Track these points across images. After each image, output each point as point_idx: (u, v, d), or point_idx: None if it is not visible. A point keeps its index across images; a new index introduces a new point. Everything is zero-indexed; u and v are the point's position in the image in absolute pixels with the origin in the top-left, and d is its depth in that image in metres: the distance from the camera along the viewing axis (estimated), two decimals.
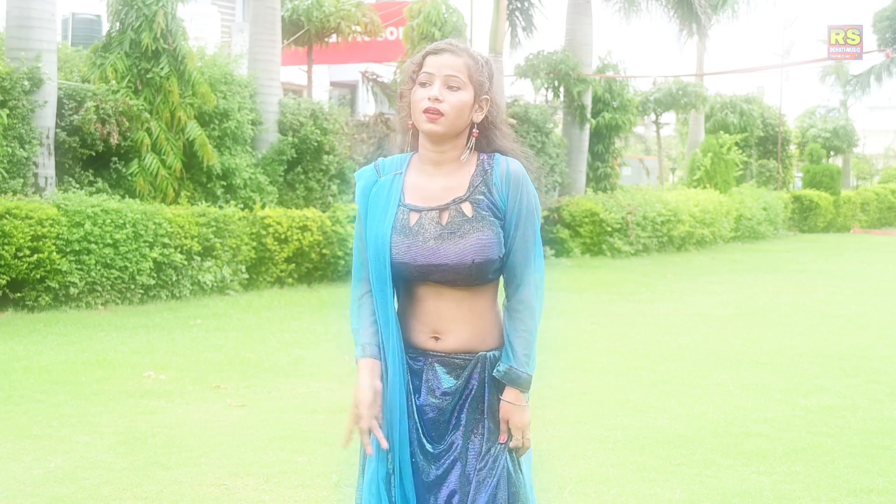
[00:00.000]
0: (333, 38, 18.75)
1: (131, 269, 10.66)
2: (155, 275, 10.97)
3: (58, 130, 11.47)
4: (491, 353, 2.63)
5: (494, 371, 2.61)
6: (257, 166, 13.84)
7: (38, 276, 10.00)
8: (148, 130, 12.07)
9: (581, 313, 10.75)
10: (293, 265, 12.77)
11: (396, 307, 2.70)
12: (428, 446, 2.62)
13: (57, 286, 10.09)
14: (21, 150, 10.90)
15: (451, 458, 2.61)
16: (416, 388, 2.63)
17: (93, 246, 10.35)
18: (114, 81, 11.99)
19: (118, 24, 12.32)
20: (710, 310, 11.39)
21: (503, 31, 18.74)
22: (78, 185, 11.56)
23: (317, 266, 13.04)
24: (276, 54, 14.86)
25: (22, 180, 10.87)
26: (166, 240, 11.01)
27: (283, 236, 12.51)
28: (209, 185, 13.05)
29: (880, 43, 30.49)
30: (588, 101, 20.08)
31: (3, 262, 9.72)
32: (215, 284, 11.64)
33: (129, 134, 11.90)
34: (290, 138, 14.29)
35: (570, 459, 5.28)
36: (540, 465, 5.01)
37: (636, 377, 7.52)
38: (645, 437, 5.76)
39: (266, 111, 14.31)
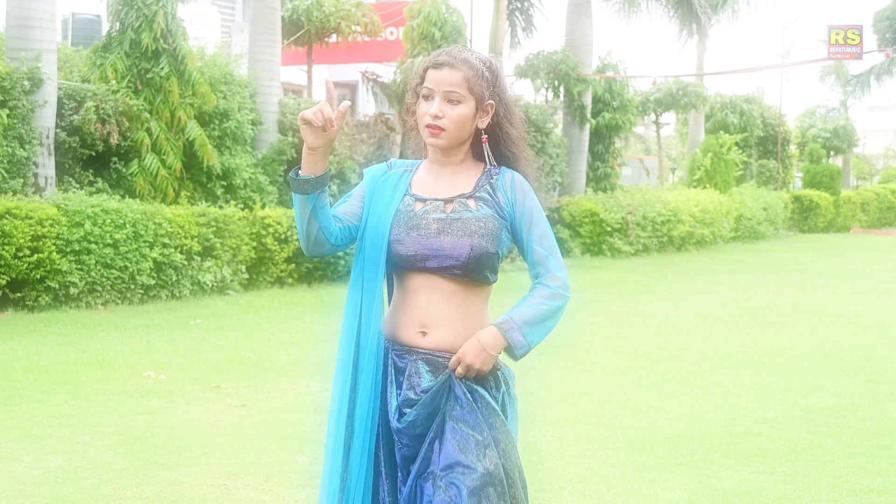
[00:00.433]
0: (333, 38, 18.74)
1: (131, 269, 10.66)
2: (155, 275, 10.97)
3: (58, 130, 11.47)
4: None
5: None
6: (257, 166, 13.84)
7: (38, 276, 10.00)
8: (148, 130, 12.08)
9: (581, 313, 10.74)
10: (293, 265, 12.77)
11: (388, 305, 2.74)
12: (398, 446, 2.62)
13: (57, 286, 10.09)
14: (21, 150, 10.90)
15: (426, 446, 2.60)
16: (398, 384, 2.65)
17: (93, 246, 10.35)
18: (114, 81, 11.99)
19: (118, 24, 12.32)
20: (710, 310, 11.40)
21: (503, 31, 18.76)
22: (78, 185, 11.56)
23: (317, 266, 13.04)
24: (276, 54, 14.86)
25: (22, 180, 10.87)
26: (166, 240, 11.01)
27: (283, 236, 12.52)
28: (209, 185, 13.06)
29: (880, 43, 30.48)
30: (588, 101, 20.08)
31: (3, 262, 9.72)
32: (215, 284, 11.64)
33: (129, 134, 11.90)
34: (291, 138, 14.30)
35: (570, 459, 5.28)
36: (540, 465, 5.03)
37: (636, 377, 7.52)
38: (645, 437, 5.76)
39: (266, 111, 14.31)
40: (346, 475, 2.63)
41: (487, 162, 2.71)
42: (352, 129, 15.55)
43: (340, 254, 12.93)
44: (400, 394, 2.63)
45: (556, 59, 19.64)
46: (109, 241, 10.45)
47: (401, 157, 14.63)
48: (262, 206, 13.05)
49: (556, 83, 20.02)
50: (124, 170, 12.01)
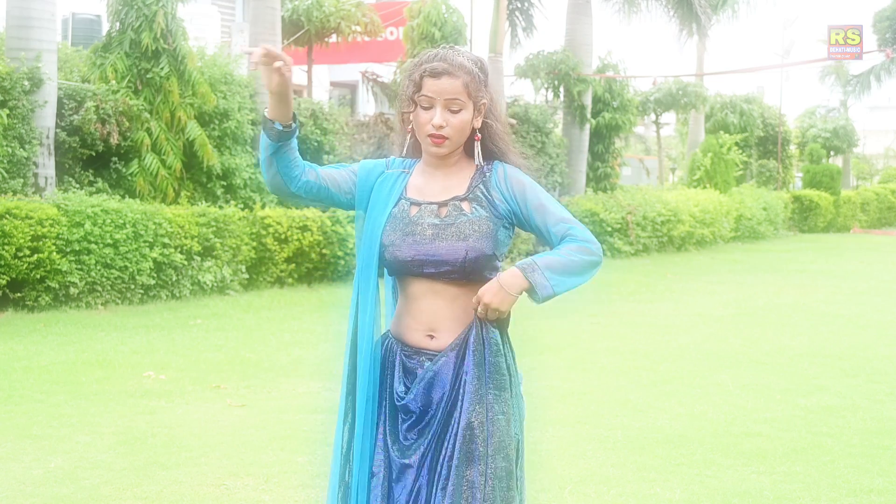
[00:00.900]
0: (333, 38, 18.74)
1: (131, 269, 10.66)
2: (155, 275, 10.97)
3: (58, 130, 11.47)
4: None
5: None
6: (257, 166, 13.83)
7: (38, 276, 10.00)
8: (148, 130, 12.07)
9: (581, 313, 10.74)
10: (293, 265, 12.77)
11: (395, 307, 2.75)
12: (402, 439, 2.63)
13: (57, 286, 10.09)
14: (21, 150, 10.90)
15: (424, 445, 2.61)
16: (407, 384, 2.66)
17: (93, 246, 10.35)
18: (114, 81, 11.98)
19: (118, 24, 12.32)
20: (710, 310, 11.40)
21: (503, 31, 18.74)
22: (78, 185, 11.56)
23: (317, 266, 13.04)
24: None
25: (22, 180, 10.87)
26: (166, 240, 11.01)
27: (283, 236, 12.52)
28: (209, 185, 13.06)
29: (880, 43, 30.47)
30: (588, 101, 20.08)
31: (3, 262, 9.72)
32: (215, 284, 11.64)
33: (129, 134, 11.90)
34: None
35: (570, 459, 5.28)
36: (540, 465, 5.03)
37: (636, 377, 7.52)
38: (645, 437, 5.76)
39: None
40: (348, 476, 2.66)
41: (477, 160, 2.70)
42: (352, 129, 15.55)
43: (340, 254, 12.94)
44: (410, 393, 2.64)
45: (556, 59, 19.64)
46: (109, 241, 10.45)
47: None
48: (262, 206, 13.05)
49: (556, 83, 20.02)
50: (124, 170, 12.01)
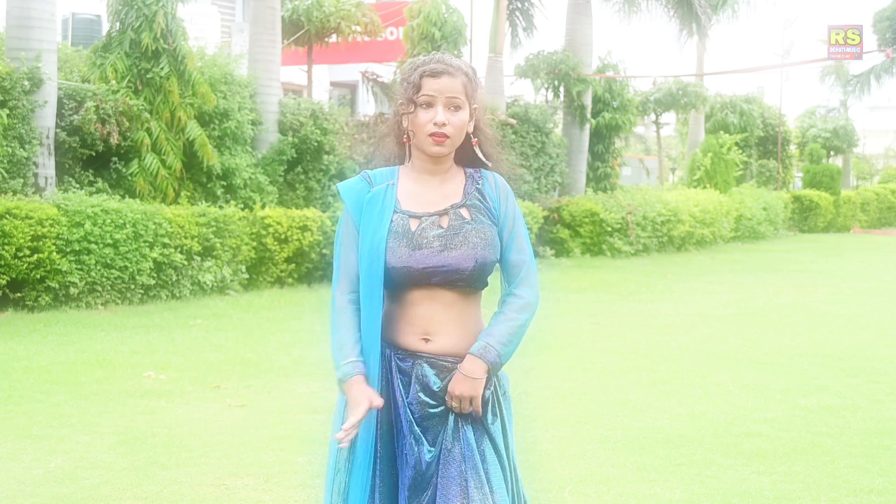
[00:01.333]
0: (333, 38, 18.74)
1: (131, 269, 10.66)
2: (155, 275, 10.97)
3: (58, 130, 11.47)
4: None
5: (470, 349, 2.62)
6: (257, 166, 13.84)
7: (38, 276, 10.00)
8: (148, 130, 12.07)
9: (581, 313, 10.74)
10: (293, 265, 12.77)
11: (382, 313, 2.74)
12: (419, 434, 2.64)
13: (57, 286, 10.09)
14: (21, 150, 10.90)
15: (439, 448, 2.62)
16: (405, 385, 2.66)
17: (93, 246, 10.35)
18: (114, 81, 11.98)
19: (118, 24, 12.32)
20: (710, 310, 11.39)
21: (503, 31, 18.76)
22: (78, 185, 11.56)
23: (317, 266, 13.03)
24: (276, 54, 14.86)
25: (22, 180, 10.87)
26: (166, 240, 11.01)
27: (283, 236, 12.51)
28: (209, 185, 13.05)
29: (880, 43, 30.47)
30: (588, 101, 20.08)
31: (3, 262, 9.72)
32: (215, 284, 11.64)
33: (129, 134, 11.90)
34: (291, 138, 14.29)
35: (570, 459, 5.28)
36: (540, 465, 5.03)
37: (636, 377, 7.52)
38: (645, 437, 5.76)
39: (266, 111, 14.31)
40: (347, 479, 2.66)
41: (483, 159, 2.73)
42: (352, 129, 15.54)
43: None
44: (408, 395, 2.65)
45: (556, 59, 19.64)
46: (109, 241, 10.45)
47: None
48: (262, 206, 13.04)
49: (556, 83, 20.02)
50: (124, 170, 12.01)
